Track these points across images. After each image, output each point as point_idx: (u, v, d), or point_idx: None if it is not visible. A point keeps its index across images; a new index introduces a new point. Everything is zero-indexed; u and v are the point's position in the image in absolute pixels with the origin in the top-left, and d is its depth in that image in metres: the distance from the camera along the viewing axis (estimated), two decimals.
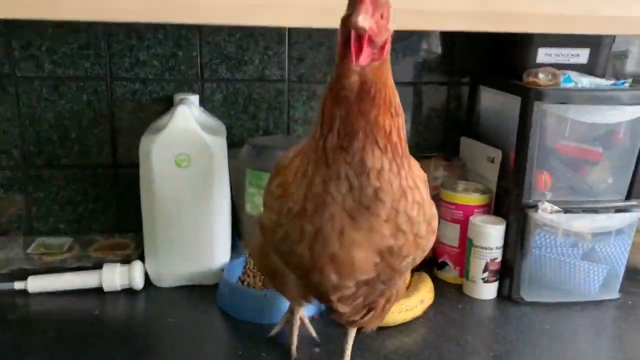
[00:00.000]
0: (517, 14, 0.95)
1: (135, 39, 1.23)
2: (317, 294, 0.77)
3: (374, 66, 0.63)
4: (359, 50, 0.60)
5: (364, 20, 0.57)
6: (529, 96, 1.04)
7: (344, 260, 0.67)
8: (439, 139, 1.41)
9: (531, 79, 1.06)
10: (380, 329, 1.00)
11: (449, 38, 1.33)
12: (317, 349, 0.94)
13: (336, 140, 0.63)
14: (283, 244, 0.71)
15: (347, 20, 0.58)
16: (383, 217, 0.66)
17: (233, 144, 1.27)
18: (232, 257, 1.17)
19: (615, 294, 1.14)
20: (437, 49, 1.34)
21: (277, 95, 1.30)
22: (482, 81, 1.27)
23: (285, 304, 1.00)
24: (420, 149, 1.37)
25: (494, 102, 1.22)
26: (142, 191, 1.10)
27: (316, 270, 0.69)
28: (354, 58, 0.60)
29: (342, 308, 0.77)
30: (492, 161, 1.18)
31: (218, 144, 1.10)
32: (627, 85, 1.07)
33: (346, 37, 0.60)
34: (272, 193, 0.74)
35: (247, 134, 1.31)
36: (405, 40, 1.31)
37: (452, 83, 1.37)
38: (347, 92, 0.62)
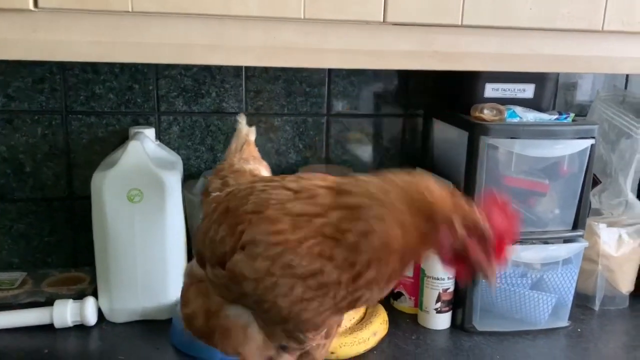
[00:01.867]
0: (462, 53, 0.98)
1: (91, 73, 1.23)
2: (294, 337, 0.78)
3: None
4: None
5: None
6: (475, 131, 1.07)
7: (317, 330, 0.76)
8: (396, 170, 1.43)
9: (477, 114, 1.09)
10: None
11: (403, 72, 1.36)
12: None
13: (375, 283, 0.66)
14: (267, 291, 0.68)
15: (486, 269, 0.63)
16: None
17: (190, 176, 1.28)
18: None
19: (564, 322, 1.17)
20: (393, 83, 1.37)
21: (235, 127, 1.31)
22: (434, 114, 1.30)
23: None
24: None
25: (446, 135, 1.25)
26: (95, 226, 1.09)
27: (291, 322, 0.72)
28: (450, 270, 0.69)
29: (313, 341, 0.79)
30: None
31: (172, 178, 1.10)
32: (569, 119, 1.11)
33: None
34: (260, 239, 0.68)
35: (204, 165, 1.32)
36: (362, 75, 1.34)
37: (408, 115, 1.40)
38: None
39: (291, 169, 1.34)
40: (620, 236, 1.22)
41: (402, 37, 0.95)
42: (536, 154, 1.07)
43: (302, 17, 0.88)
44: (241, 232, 0.69)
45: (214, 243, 0.74)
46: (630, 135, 1.15)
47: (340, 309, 0.69)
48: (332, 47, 0.93)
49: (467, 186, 1.10)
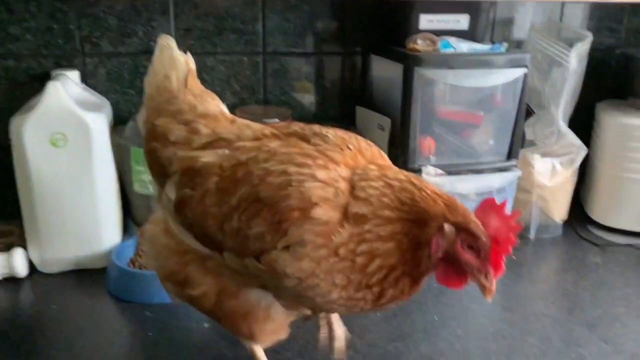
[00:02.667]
0: None
1: (3, 12, 1.15)
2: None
3: None
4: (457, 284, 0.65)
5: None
6: (409, 62, 1.05)
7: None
8: (337, 109, 1.41)
9: (411, 45, 1.08)
10: None
11: (339, 8, 1.32)
12: None
13: (398, 294, 0.65)
14: (308, 290, 0.66)
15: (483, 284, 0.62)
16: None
17: (121, 121, 1.23)
18: (123, 238, 1.13)
19: None
20: (330, 20, 1.33)
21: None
22: (372, 50, 1.28)
23: None
24: (318, 120, 1.37)
25: (383, 70, 1.24)
26: (18, 174, 1.04)
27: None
28: (448, 285, 0.65)
29: None
30: (383, 129, 1.20)
31: (98, 122, 1.05)
32: (503, 49, 1.11)
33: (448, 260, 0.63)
34: (307, 240, 0.64)
35: (135, 109, 1.26)
36: (297, 11, 1.29)
37: (346, 53, 1.37)
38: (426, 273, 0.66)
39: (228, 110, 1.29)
40: (553, 166, 1.25)
41: None
42: (470, 84, 1.07)
43: None
44: (285, 231, 0.63)
45: (244, 238, 0.66)
46: (562, 64, 1.16)
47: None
48: None
49: (404, 120, 1.10)
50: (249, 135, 0.75)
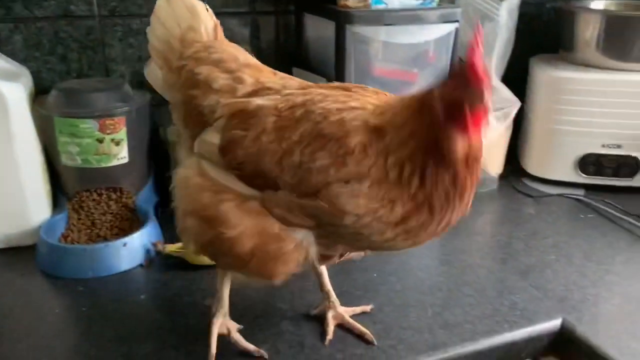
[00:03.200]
0: None
1: None
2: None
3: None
4: (479, 126, 0.62)
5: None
6: (340, 20, 1.03)
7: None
8: None
9: (343, 2, 1.05)
10: (212, 266, 0.99)
11: None
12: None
13: (443, 199, 0.64)
14: (365, 227, 0.67)
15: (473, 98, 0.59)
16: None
17: (43, 91, 1.16)
18: (53, 213, 1.09)
19: None
20: None
21: (88, 33, 1.19)
22: (305, 8, 1.25)
23: (106, 254, 0.96)
24: None
25: (317, 30, 1.21)
26: None
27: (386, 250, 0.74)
28: (471, 130, 0.61)
29: None
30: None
31: (15, 91, 0.99)
32: (434, 4, 1.10)
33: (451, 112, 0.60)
34: (364, 173, 0.65)
35: (58, 78, 1.19)
36: None
37: (280, 12, 1.33)
38: (458, 164, 0.63)
39: None
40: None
41: None
42: (402, 41, 1.06)
43: None
44: (348, 164, 0.65)
45: (307, 171, 0.67)
46: (492, 18, 1.16)
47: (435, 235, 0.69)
48: None
49: (338, 80, 1.08)
50: (294, 85, 0.77)
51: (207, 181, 0.74)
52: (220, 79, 0.77)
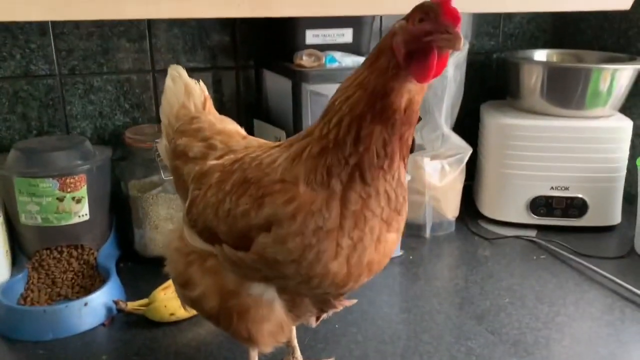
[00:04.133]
0: None
1: None
2: (325, 303, 0.77)
3: (423, 85, 0.61)
4: (437, 67, 0.59)
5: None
6: (296, 79, 1.08)
7: (380, 263, 0.69)
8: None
9: (298, 61, 1.10)
10: (174, 323, 1.00)
11: (229, 22, 1.32)
12: None
13: (375, 161, 0.62)
14: (313, 266, 0.64)
15: (442, 37, 0.57)
16: (404, 215, 0.69)
17: (2, 149, 1.17)
18: (12, 273, 1.08)
19: (397, 252, 1.25)
20: (221, 34, 1.33)
21: (49, 92, 1.20)
22: (263, 64, 1.29)
23: (67, 315, 0.96)
24: None
25: (276, 84, 1.25)
26: None
27: (351, 281, 0.68)
28: (430, 75, 0.58)
29: (340, 305, 0.79)
30: (279, 141, 1.21)
31: None
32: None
33: (413, 50, 0.58)
34: (282, 216, 0.64)
35: (18, 136, 1.20)
36: (185, 27, 1.28)
37: (240, 67, 1.37)
38: (397, 114, 0.60)
39: (118, 131, 1.26)
40: (442, 167, 1.32)
41: None
42: None
43: None
44: (266, 205, 0.65)
45: (233, 218, 0.68)
46: None
47: (392, 214, 0.66)
48: None
49: (296, 132, 1.11)
50: (255, 144, 0.80)
51: (182, 243, 0.79)
52: (196, 147, 0.82)
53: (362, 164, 0.62)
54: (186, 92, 0.89)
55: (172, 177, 0.89)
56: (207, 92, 0.91)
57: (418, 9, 0.59)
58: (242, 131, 0.88)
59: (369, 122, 0.61)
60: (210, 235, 0.73)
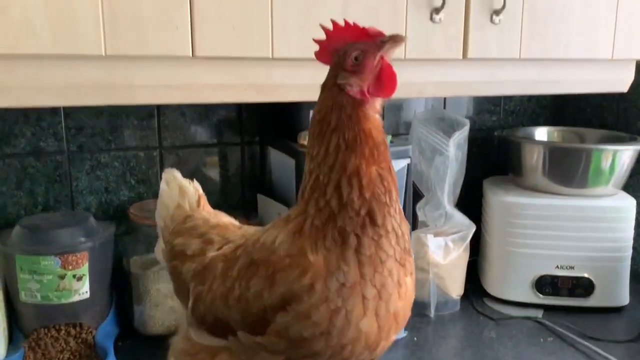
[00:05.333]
0: (276, 85, 1.00)
1: None
2: None
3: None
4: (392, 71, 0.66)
5: None
6: (300, 159, 1.09)
7: (405, 311, 0.69)
8: (239, 198, 1.42)
9: (302, 141, 1.12)
10: None
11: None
12: None
13: (381, 200, 0.65)
14: (344, 332, 0.64)
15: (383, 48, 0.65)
16: (412, 254, 0.70)
17: (7, 225, 1.17)
18: (9, 352, 1.06)
19: (402, 333, 1.22)
20: (227, 112, 1.36)
21: (56, 168, 1.22)
22: (268, 142, 1.32)
23: None
24: (219, 209, 1.37)
25: (280, 161, 1.27)
26: None
27: (382, 339, 0.66)
28: (396, 82, 0.66)
29: None
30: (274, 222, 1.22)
31: None
32: (387, 140, 1.17)
33: (380, 71, 0.66)
34: (298, 291, 0.64)
35: (24, 211, 1.21)
36: (193, 105, 1.31)
37: (245, 143, 1.40)
38: (382, 144, 0.67)
39: (124, 206, 1.27)
40: (446, 244, 1.31)
41: (214, 71, 0.95)
42: None
43: (104, 54, 0.84)
44: (278, 281, 0.65)
45: (246, 302, 0.67)
46: (442, 152, 1.24)
47: (404, 255, 0.68)
48: (140, 83, 0.90)
49: None
50: (252, 232, 0.80)
51: (188, 344, 0.77)
52: (193, 245, 0.82)
53: (372, 209, 0.65)
54: (180, 193, 0.91)
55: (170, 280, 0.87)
56: (201, 190, 0.93)
57: (345, 55, 0.66)
58: (237, 222, 0.89)
59: (365, 169, 0.65)
60: (222, 328, 0.71)
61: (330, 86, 0.68)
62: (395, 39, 0.65)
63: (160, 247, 0.91)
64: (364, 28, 0.67)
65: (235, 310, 0.69)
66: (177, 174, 0.93)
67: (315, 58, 0.72)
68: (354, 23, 0.68)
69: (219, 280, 0.73)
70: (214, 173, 1.38)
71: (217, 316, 0.72)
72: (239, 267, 0.71)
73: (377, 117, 0.68)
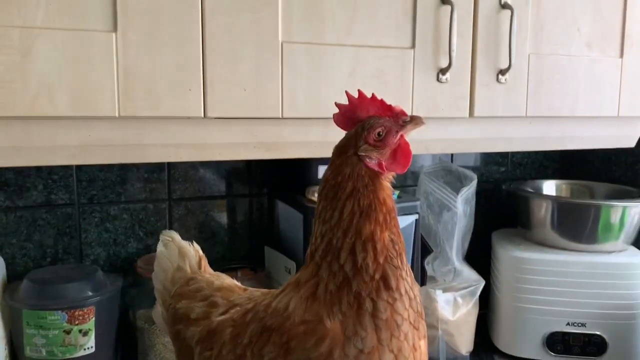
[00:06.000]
0: (286, 143, 1.01)
1: None
2: None
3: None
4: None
5: None
6: (307, 213, 1.10)
7: None
8: (246, 250, 1.42)
9: (310, 196, 1.12)
10: None
11: None
12: None
13: (394, 263, 0.66)
14: None
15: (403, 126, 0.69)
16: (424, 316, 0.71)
17: (16, 277, 1.17)
18: None
19: None
20: (237, 164, 1.37)
21: (66, 220, 1.23)
22: (277, 195, 1.32)
23: None
24: (226, 261, 1.37)
25: (288, 215, 1.27)
26: None
27: None
28: (410, 159, 0.70)
29: None
30: (289, 272, 1.21)
31: None
32: (395, 196, 1.18)
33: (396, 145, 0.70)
34: (316, 359, 0.64)
35: (32, 263, 1.22)
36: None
37: (254, 195, 1.41)
38: (393, 210, 0.69)
39: (131, 259, 1.27)
40: (455, 300, 1.30)
41: (225, 130, 0.96)
42: None
43: (117, 115, 0.86)
44: (294, 349, 0.65)
45: None
46: (450, 208, 1.25)
47: (417, 318, 0.69)
48: (152, 142, 0.92)
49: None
50: (258, 294, 0.80)
51: None
52: (197, 308, 0.82)
53: (386, 273, 0.66)
54: (180, 254, 0.90)
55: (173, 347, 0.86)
56: (201, 252, 0.93)
57: (370, 129, 0.69)
58: (240, 284, 0.88)
59: (379, 235, 0.66)
60: None
61: (348, 154, 0.69)
62: (417, 122, 0.69)
63: (158, 311, 0.90)
64: (389, 105, 0.70)
65: None
66: (176, 235, 0.93)
67: (331, 119, 0.74)
68: (381, 98, 0.70)
69: (229, 347, 0.72)
70: (222, 224, 1.38)
71: None
72: (250, 333, 0.70)
73: (390, 185, 0.71)
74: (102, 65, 0.84)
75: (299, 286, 0.69)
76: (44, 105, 0.81)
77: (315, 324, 0.65)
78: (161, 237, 0.93)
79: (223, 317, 0.77)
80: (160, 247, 0.92)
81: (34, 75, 0.81)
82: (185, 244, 0.92)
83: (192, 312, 0.81)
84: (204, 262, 0.92)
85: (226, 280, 0.88)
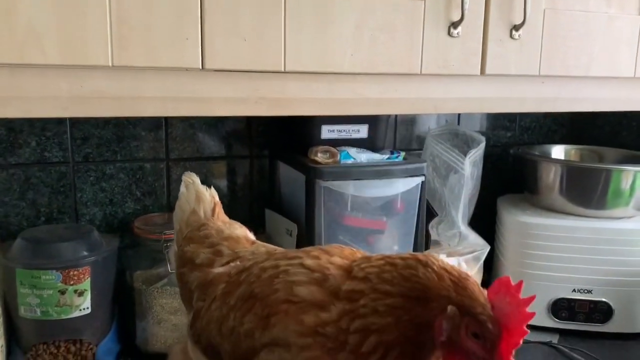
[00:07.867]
0: (289, 99, 0.96)
1: None
2: None
3: None
4: None
5: None
6: (310, 174, 1.06)
7: None
8: (246, 212, 1.39)
9: (313, 157, 1.09)
10: None
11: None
12: None
13: None
14: None
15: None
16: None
17: (10, 235, 1.14)
18: None
19: None
20: (236, 124, 1.33)
21: (60, 179, 1.20)
22: (278, 156, 1.28)
23: None
24: None
25: (289, 176, 1.24)
26: None
27: None
28: None
29: None
30: (290, 234, 1.18)
31: None
32: (400, 158, 1.14)
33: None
34: (291, 342, 0.60)
35: (26, 223, 1.18)
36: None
37: (254, 156, 1.37)
38: None
39: (128, 219, 1.24)
40: (459, 264, 1.27)
41: (224, 84, 0.91)
42: (371, 194, 1.09)
43: (110, 64, 0.81)
44: (273, 325, 0.61)
45: (237, 336, 0.65)
46: (458, 170, 1.21)
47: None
48: (148, 95, 0.87)
49: (308, 228, 1.09)
50: (263, 251, 0.79)
51: (185, 358, 0.75)
52: (202, 254, 0.80)
53: None
54: (197, 198, 0.89)
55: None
56: (217, 198, 0.91)
57: (478, 319, 0.57)
58: (251, 236, 0.87)
59: (398, 353, 0.57)
60: (215, 354, 0.68)
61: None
62: None
63: (173, 250, 0.90)
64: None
65: (227, 341, 0.67)
66: (196, 178, 0.92)
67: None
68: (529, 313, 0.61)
69: (218, 303, 0.71)
70: (221, 186, 1.34)
71: (210, 340, 0.70)
72: (237, 295, 0.68)
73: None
74: (93, 10, 0.79)
75: (327, 281, 0.62)
76: (32, 52, 0.76)
77: (300, 309, 0.61)
78: (183, 177, 0.92)
79: (222, 269, 0.75)
80: (182, 188, 0.92)
81: (21, 19, 0.75)
82: (202, 188, 0.91)
83: (197, 257, 0.80)
84: (219, 208, 0.91)
85: (237, 230, 0.87)
